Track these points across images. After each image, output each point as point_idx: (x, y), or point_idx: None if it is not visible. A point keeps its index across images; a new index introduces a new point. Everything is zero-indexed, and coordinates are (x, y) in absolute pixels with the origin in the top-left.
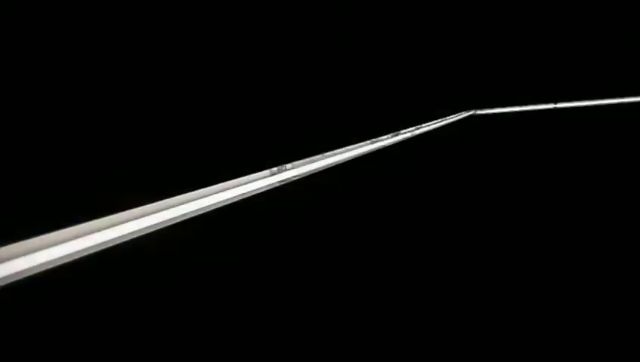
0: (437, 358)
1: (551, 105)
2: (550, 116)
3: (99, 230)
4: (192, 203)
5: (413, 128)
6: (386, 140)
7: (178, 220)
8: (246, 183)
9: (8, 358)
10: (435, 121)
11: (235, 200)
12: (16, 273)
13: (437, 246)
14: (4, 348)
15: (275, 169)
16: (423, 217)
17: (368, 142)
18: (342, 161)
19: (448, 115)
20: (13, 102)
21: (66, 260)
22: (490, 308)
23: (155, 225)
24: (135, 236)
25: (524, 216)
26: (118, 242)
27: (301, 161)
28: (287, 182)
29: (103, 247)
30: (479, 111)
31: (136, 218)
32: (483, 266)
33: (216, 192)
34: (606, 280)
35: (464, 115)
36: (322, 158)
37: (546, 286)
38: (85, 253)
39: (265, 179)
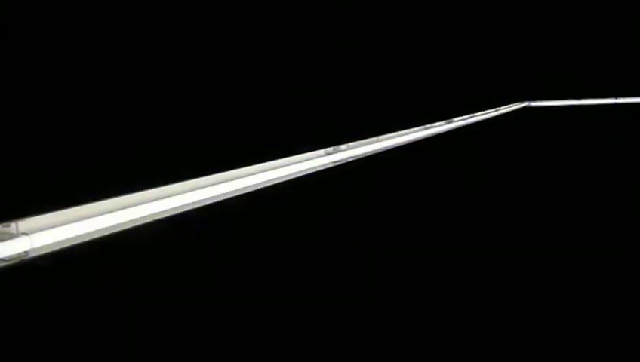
0: None
1: (612, 100)
2: (610, 112)
3: (140, 203)
4: (245, 178)
5: (466, 117)
6: (439, 127)
7: (231, 195)
8: (301, 162)
9: None
10: (487, 112)
11: (289, 178)
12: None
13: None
14: None
15: (330, 149)
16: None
17: (422, 127)
18: (396, 145)
19: (501, 106)
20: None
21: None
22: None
23: (207, 198)
24: (185, 210)
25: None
26: (163, 216)
27: (356, 143)
28: (341, 162)
29: (155, 218)
30: (533, 103)
31: (184, 192)
32: None
33: (270, 169)
34: None
35: (517, 105)
36: (377, 141)
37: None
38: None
39: (319, 159)
